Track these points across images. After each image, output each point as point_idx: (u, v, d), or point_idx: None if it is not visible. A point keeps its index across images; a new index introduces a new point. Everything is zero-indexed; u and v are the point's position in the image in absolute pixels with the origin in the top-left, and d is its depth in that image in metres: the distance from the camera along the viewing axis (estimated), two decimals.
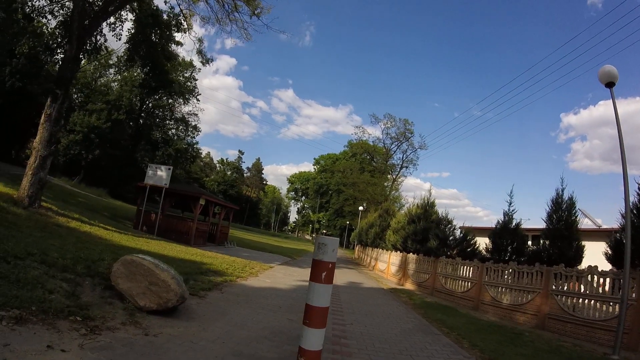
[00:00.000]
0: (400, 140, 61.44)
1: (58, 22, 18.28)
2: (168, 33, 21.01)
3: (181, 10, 19.81)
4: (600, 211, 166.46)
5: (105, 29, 18.09)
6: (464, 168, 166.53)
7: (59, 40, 19.27)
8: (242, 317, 6.68)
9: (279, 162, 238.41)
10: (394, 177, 63.79)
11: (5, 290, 4.56)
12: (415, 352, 6.27)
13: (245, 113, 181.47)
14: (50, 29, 19.98)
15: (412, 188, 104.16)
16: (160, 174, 20.35)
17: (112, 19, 18.07)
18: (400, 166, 63.36)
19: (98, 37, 17.63)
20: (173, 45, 24.23)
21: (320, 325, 4.14)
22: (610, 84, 9.37)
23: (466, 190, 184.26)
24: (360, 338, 6.69)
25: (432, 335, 7.87)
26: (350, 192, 64.47)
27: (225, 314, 6.63)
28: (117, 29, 18.98)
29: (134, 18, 19.37)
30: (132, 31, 19.73)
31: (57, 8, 17.60)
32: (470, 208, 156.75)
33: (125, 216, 24.85)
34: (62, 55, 17.67)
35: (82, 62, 21.67)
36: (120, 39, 19.52)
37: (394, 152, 63.49)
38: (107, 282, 6.02)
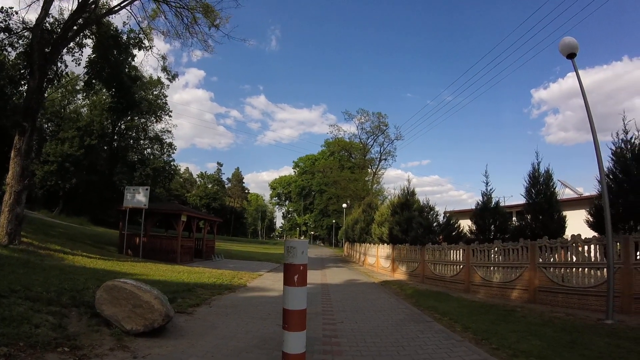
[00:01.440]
0: (376, 134, 61.94)
1: (18, 53, 18.11)
2: (129, 53, 20.90)
3: (141, 29, 19.76)
4: (581, 180, 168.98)
5: (65, 55, 17.93)
6: (443, 154, 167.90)
7: (22, 71, 19.09)
8: (231, 328, 6.70)
9: (259, 169, 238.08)
10: (374, 170, 64.16)
11: None
12: (406, 343, 6.31)
13: (219, 124, 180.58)
14: (11, 60, 19.76)
15: (394, 179, 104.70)
16: (138, 196, 20.24)
17: (71, 44, 17.91)
18: (378, 159, 63.79)
19: (59, 64, 17.48)
20: (134, 67, 24.13)
21: (299, 328, 4.18)
22: (571, 55, 9.50)
23: (448, 175, 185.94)
24: (351, 335, 6.72)
25: (424, 324, 7.92)
26: (333, 190, 64.65)
27: (214, 328, 6.65)
28: (77, 54, 18.82)
29: (94, 42, 19.25)
30: (93, 55, 19.59)
31: (16, 39, 17.42)
32: (453, 192, 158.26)
33: (109, 242, 24.60)
34: (26, 87, 17.45)
35: (48, 90, 21.46)
36: (79, 64, 19.38)
37: (371, 146, 63.97)
38: (93, 310, 6.00)
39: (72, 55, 18.69)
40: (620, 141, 10.30)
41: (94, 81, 21.37)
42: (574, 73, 9.74)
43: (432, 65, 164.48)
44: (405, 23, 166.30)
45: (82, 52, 19.13)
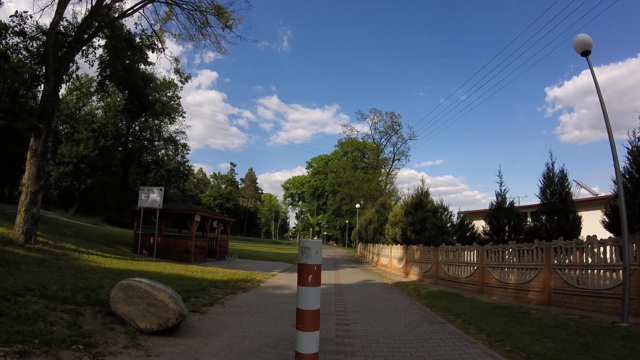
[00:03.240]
0: (389, 134, 61.72)
1: (34, 56, 18.28)
2: (141, 55, 21.04)
3: (154, 31, 19.88)
4: (597, 180, 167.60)
5: (78, 56, 18.04)
6: (456, 154, 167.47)
7: (37, 74, 19.27)
8: (244, 328, 6.73)
9: (272, 169, 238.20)
10: (388, 170, 63.93)
11: (7, 326, 4.61)
12: (419, 344, 6.28)
13: (232, 125, 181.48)
14: (27, 64, 19.96)
15: (407, 180, 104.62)
16: (153, 196, 20.35)
17: (85, 47, 18.05)
18: (392, 159, 63.59)
19: (70, 65, 17.60)
20: (148, 67, 24.21)
21: (312, 328, 4.20)
22: (586, 52, 9.39)
23: (462, 175, 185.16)
24: (364, 336, 6.71)
25: (437, 325, 7.89)
26: (346, 190, 64.46)
27: (228, 327, 6.67)
28: (90, 56, 18.95)
29: (107, 44, 19.39)
30: (106, 57, 19.73)
31: (30, 43, 17.59)
32: (467, 192, 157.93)
33: (124, 242, 24.78)
34: (41, 90, 17.60)
35: (63, 92, 21.67)
36: (92, 65, 19.54)
37: (384, 146, 63.76)
38: (107, 309, 6.06)
39: (86, 57, 18.84)
40: (636, 140, 10.11)
41: (107, 83, 21.51)
42: (589, 70, 9.64)
43: (445, 65, 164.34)
44: (417, 23, 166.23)
45: (95, 54, 19.29)
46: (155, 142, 56.15)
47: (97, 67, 20.11)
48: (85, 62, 19.06)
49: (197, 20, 18.73)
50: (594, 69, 9.54)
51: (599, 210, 11.34)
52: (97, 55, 19.68)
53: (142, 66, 23.18)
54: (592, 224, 11.72)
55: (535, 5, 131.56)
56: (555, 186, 12.78)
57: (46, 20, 16.36)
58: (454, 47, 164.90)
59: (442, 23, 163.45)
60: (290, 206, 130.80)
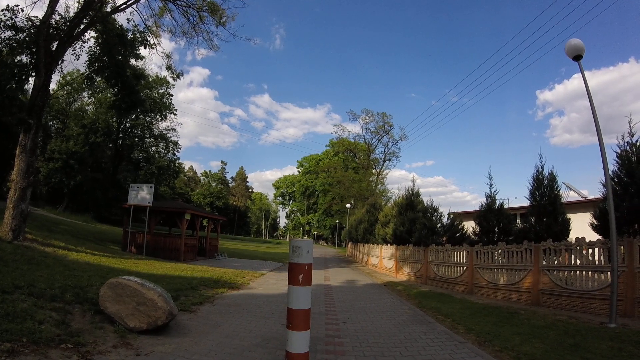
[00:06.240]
0: (381, 134, 62.02)
1: (25, 50, 18.06)
2: (133, 51, 20.87)
3: (147, 27, 19.76)
4: (586, 182, 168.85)
5: (69, 51, 17.84)
6: (447, 155, 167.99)
7: (28, 68, 19.05)
8: (234, 327, 6.72)
9: (262, 168, 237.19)
10: (378, 171, 64.14)
11: None
12: (409, 344, 6.29)
13: (224, 123, 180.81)
14: (17, 58, 19.72)
15: (398, 180, 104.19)
16: (142, 194, 20.21)
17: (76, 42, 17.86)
18: (383, 160, 63.86)
19: (60, 62, 17.41)
20: (139, 62, 23.98)
21: (303, 328, 4.21)
22: (577, 57, 9.42)
23: (452, 176, 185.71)
24: (354, 335, 6.72)
25: (427, 325, 7.90)
26: (336, 190, 64.53)
27: (218, 326, 6.66)
28: (78, 49, 18.71)
29: (98, 38, 19.20)
30: (97, 52, 19.54)
31: (21, 37, 17.38)
32: (457, 193, 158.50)
33: (113, 239, 24.60)
34: (31, 84, 17.40)
35: (54, 87, 21.39)
36: (78, 59, 19.34)
37: (376, 146, 64.07)
38: (96, 307, 6.02)
39: (73, 50, 18.60)
40: (625, 144, 10.24)
41: (95, 77, 21.26)
42: (580, 74, 9.69)
43: (437, 66, 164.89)
44: (411, 23, 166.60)
45: (84, 47, 19.06)
46: (146, 139, 55.75)
47: (87, 61, 19.91)
48: (72, 54, 18.81)
49: (191, 16, 18.66)
50: (585, 73, 9.60)
51: (588, 213, 11.41)
52: (86, 49, 19.46)
53: (133, 61, 22.94)
54: (581, 226, 11.80)
55: (529, 9, 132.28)
56: (544, 188, 12.84)
57: (38, 13, 16.13)
58: (447, 49, 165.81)
59: (435, 24, 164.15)
60: (281, 205, 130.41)
